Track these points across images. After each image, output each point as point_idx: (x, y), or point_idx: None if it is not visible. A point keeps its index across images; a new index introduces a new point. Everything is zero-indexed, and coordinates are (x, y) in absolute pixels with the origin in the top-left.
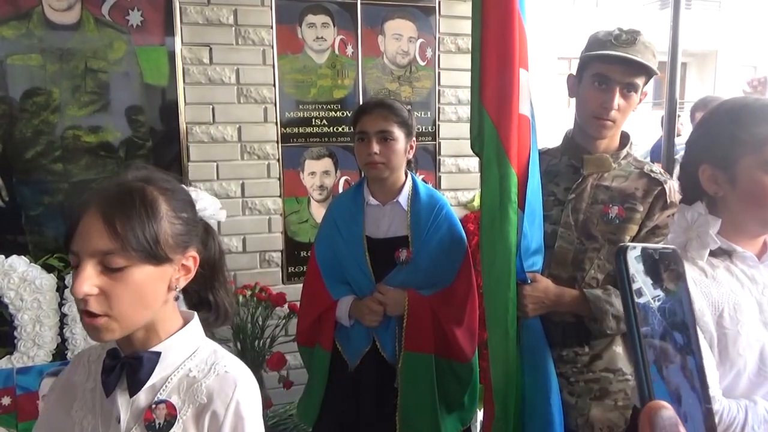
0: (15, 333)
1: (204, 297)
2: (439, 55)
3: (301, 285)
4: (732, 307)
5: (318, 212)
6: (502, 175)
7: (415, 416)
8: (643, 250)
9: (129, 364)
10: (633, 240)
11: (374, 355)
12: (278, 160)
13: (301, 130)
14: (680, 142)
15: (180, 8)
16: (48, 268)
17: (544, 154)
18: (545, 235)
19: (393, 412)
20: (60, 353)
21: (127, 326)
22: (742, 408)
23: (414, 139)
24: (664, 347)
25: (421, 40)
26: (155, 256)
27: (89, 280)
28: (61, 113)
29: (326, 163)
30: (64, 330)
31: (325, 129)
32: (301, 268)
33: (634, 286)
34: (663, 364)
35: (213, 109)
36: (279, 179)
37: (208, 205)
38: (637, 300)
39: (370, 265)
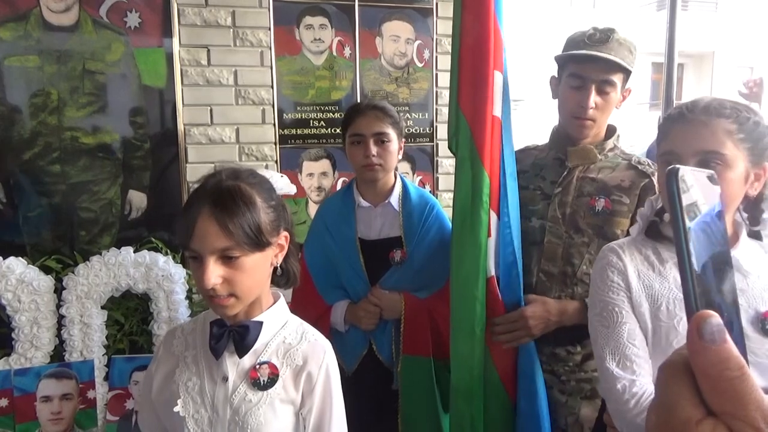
0: (12, 335)
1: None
2: (436, 57)
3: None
4: (672, 302)
5: None
6: (475, 176)
7: (416, 419)
8: (691, 170)
9: (236, 331)
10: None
11: (371, 358)
12: (276, 162)
13: (299, 131)
14: None
15: (178, 10)
16: (46, 270)
17: (532, 149)
18: (533, 230)
19: (394, 416)
20: (57, 355)
21: (246, 302)
22: None
23: (404, 140)
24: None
25: (418, 42)
26: (260, 243)
27: (215, 273)
28: (59, 114)
29: (324, 165)
30: (61, 331)
31: (323, 130)
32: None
33: (684, 202)
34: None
35: (211, 110)
36: None
37: (278, 182)
38: (687, 219)
39: (364, 267)
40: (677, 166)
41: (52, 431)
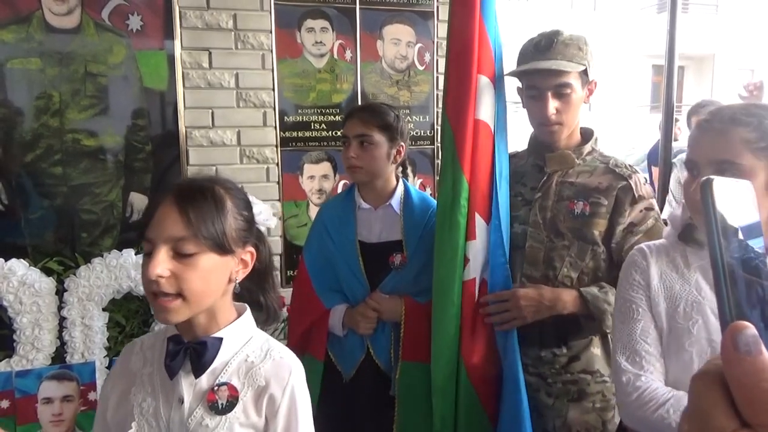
0: (14, 336)
1: (256, 299)
2: (437, 60)
3: None
4: (690, 304)
5: None
6: (455, 180)
7: (413, 427)
8: (725, 180)
9: (193, 348)
10: (609, 240)
11: (369, 363)
12: (277, 164)
13: (300, 134)
14: (677, 146)
15: (180, 13)
16: (47, 272)
17: (513, 157)
18: (516, 235)
19: (390, 423)
20: (59, 356)
21: (193, 309)
22: (669, 392)
23: (402, 143)
24: (739, 275)
25: (419, 45)
26: (221, 246)
27: (162, 263)
28: (60, 117)
29: (325, 167)
30: (63, 333)
31: (324, 133)
32: None
33: (719, 213)
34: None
35: (212, 113)
36: (278, 183)
37: (262, 210)
38: (721, 230)
39: (364, 270)
40: (712, 177)
41: None
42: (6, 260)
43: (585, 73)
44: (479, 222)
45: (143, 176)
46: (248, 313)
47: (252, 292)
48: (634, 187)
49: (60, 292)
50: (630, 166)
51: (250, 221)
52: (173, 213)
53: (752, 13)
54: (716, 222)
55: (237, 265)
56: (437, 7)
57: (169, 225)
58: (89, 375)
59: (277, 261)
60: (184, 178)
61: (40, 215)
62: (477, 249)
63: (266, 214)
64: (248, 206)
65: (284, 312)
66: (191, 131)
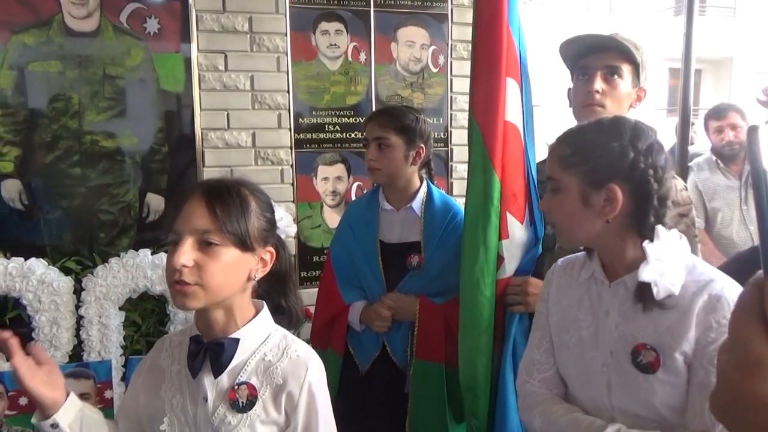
0: (33, 334)
1: (278, 303)
2: (451, 62)
3: (313, 289)
4: (568, 319)
5: (330, 218)
6: (486, 181)
7: (424, 425)
8: None
9: (212, 349)
10: None
11: (385, 360)
12: (292, 166)
13: (314, 135)
14: (694, 149)
15: (196, 16)
16: (65, 271)
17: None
18: (547, 237)
19: (403, 418)
20: (76, 355)
21: (211, 298)
22: (545, 400)
23: (422, 145)
24: None
25: (433, 47)
26: (243, 242)
27: (187, 253)
28: (79, 119)
29: (339, 169)
30: (80, 332)
31: (338, 135)
32: (314, 273)
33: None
34: None
35: (228, 115)
36: (292, 185)
37: (283, 216)
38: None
39: (383, 269)
40: (757, 124)
41: None
42: (26, 259)
43: (637, 72)
44: (512, 221)
45: (160, 177)
46: (266, 310)
47: (274, 296)
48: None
49: (78, 291)
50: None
51: (271, 222)
52: (201, 207)
53: None
54: (761, 164)
55: (257, 264)
56: (451, 10)
57: (196, 218)
58: (105, 373)
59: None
60: (213, 178)
61: (58, 215)
62: (511, 248)
63: (287, 221)
64: (270, 209)
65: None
66: (207, 133)
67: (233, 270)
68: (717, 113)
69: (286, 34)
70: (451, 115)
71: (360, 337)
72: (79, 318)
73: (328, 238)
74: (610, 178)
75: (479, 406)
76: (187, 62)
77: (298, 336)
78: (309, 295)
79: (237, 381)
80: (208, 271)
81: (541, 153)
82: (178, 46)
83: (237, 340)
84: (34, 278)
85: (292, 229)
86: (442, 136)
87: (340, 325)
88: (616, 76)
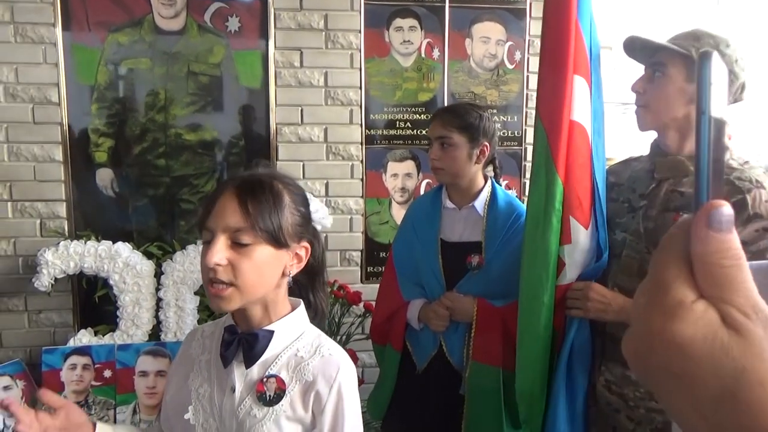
0: (117, 313)
1: (305, 297)
2: (528, 58)
3: (377, 285)
4: None
5: (398, 214)
6: (549, 183)
7: (480, 428)
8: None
9: (246, 339)
10: None
11: (441, 359)
12: (362, 161)
13: (385, 132)
14: None
15: (274, 14)
16: (148, 255)
17: (633, 161)
18: (615, 242)
19: (459, 420)
20: (155, 334)
21: (247, 298)
22: None
23: (486, 143)
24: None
25: (509, 43)
26: (277, 239)
27: (220, 252)
28: (165, 113)
29: (409, 166)
30: (159, 313)
31: (409, 131)
32: (380, 269)
33: (712, 90)
34: None
35: (301, 110)
36: (362, 180)
37: (319, 208)
38: (711, 109)
39: (442, 268)
40: (712, 50)
41: (147, 404)
42: (113, 243)
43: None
44: (575, 225)
45: (236, 169)
46: (302, 308)
47: (302, 289)
48: (750, 203)
49: (158, 274)
50: (757, 180)
51: (306, 217)
52: (233, 204)
53: None
54: (709, 96)
55: (291, 260)
56: (530, 4)
57: (228, 215)
58: None
59: (358, 257)
60: (245, 172)
61: (144, 203)
62: (574, 253)
63: (322, 213)
64: (305, 202)
65: (361, 306)
66: (281, 128)
67: (267, 268)
68: None
69: (360, 31)
70: (526, 112)
71: (418, 335)
72: (159, 300)
73: (394, 235)
74: None
75: (533, 415)
76: (265, 59)
77: (362, 329)
78: (373, 290)
79: (267, 374)
80: (242, 270)
81: (620, 152)
82: (257, 44)
83: (271, 332)
84: (120, 260)
85: (328, 221)
86: (516, 134)
87: (399, 321)
88: (659, 71)
